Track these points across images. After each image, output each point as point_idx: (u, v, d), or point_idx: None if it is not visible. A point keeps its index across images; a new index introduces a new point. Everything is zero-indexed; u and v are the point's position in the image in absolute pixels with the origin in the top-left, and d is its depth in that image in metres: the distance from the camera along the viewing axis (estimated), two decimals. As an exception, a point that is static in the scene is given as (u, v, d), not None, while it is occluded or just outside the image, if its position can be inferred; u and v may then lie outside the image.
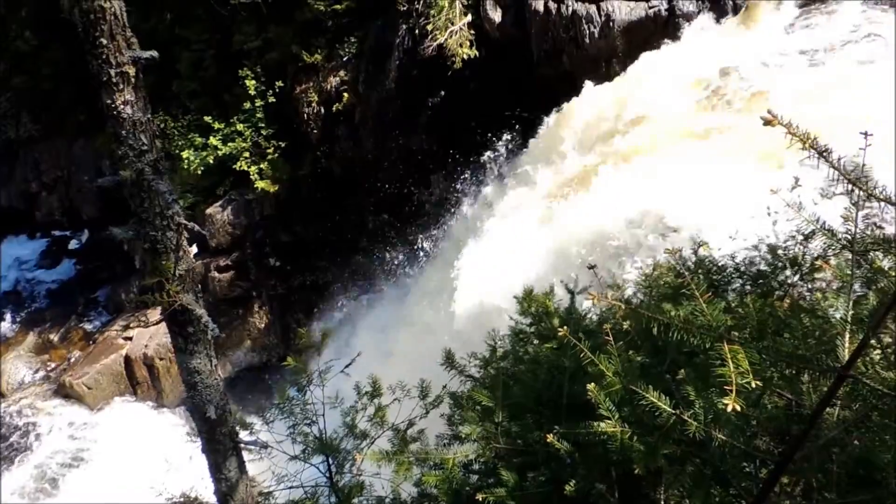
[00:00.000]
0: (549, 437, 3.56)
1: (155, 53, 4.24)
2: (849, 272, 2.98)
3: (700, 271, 4.62)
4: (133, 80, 4.18)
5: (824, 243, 2.98)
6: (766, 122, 2.28)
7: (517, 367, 4.77)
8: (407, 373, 5.42)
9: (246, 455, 5.62)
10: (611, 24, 13.00)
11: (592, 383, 3.16)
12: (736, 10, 12.57)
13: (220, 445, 5.31)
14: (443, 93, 15.30)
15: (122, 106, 4.19)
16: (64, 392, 18.55)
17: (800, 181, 3.78)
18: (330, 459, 4.87)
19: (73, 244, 23.13)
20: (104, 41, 4.01)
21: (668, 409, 2.93)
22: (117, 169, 4.42)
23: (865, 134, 2.37)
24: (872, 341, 3.02)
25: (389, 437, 4.89)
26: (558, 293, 5.18)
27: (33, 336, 20.44)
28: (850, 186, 2.26)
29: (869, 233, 2.63)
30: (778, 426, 3.21)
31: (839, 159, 2.18)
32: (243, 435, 5.43)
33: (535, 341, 4.97)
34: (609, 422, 3.11)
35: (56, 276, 22.30)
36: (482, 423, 4.18)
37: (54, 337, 20.31)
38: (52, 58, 20.49)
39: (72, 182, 22.50)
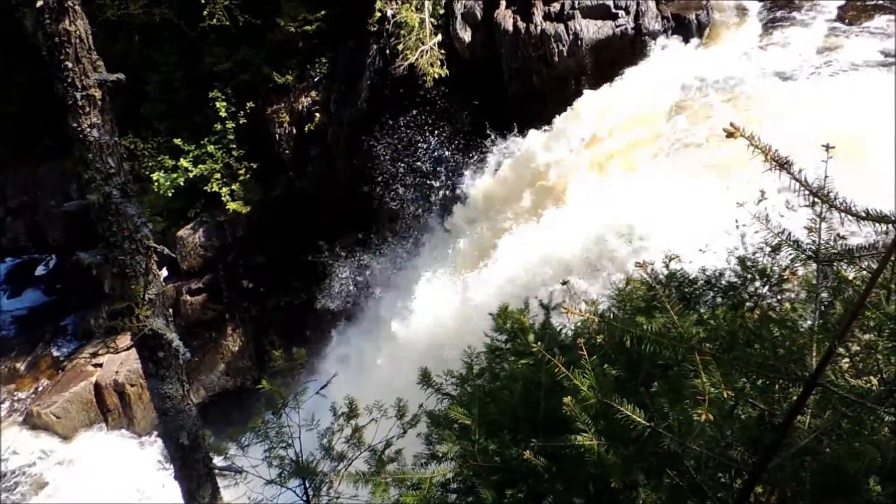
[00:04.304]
0: (527, 454, 3.55)
1: (121, 76, 4.21)
2: (815, 283, 3.04)
3: (672, 284, 4.68)
4: (99, 102, 4.15)
5: (790, 254, 3.04)
6: (729, 135, 2.33)
7: (494, 384, 4.76)
8: (384, 392, 5.38)
9: (220, 481, 5.53)
10: (579, 42, 13.20)
11: (568, 398, 3.17)
12: (700, 31, 12.85)
13: (193, 472, 5.21)
14: (415, 112, 15.38)
15: (88, 129, 4.15)
16: (32, 422, 18.10)
17: (766, 194, 3.85)
18: (307, 482, 4.80)
19: (40, 270, 22.67)
20: (69, 64, 3.98)
21: (643, 422, 2.94)
22: (84, 193, 4.36)
23: (827, 146, 2.43)
24: (841, 350, 3.08)
25: (367, 458, 4.85)
26: (533, 309, 5.19)
27: (-1, 365, 19.95)
28: (812, 198, 2.31)
29: (832, 243, 2.69)
30: (751, 436, 3.24)
31: (800, 171, 2.23)
32: (217, 460, 5.34)
33: (511, 358, 4.97)
34: (585, 435, 3.11)
35: (22, 303, 21.82)
36: (459, 441, 4.16)
37: (21, 366, 19.81)
38: (18, 81, 20.21)
39: (38, 207, 22.11)
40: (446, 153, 14.68)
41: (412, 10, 14.59)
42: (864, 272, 2.64)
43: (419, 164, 15.02)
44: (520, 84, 14.12)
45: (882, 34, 11.48)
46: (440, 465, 4.26)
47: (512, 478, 3.91)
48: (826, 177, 2.35)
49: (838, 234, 2.63)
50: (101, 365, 18.49)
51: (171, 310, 5.08)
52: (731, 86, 11.33)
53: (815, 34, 11.91)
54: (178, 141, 17.16)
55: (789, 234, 2.83)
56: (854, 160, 7.29)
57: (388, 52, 15.15)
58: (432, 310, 12.11)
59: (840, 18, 12.12)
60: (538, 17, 13.68)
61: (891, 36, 11.34)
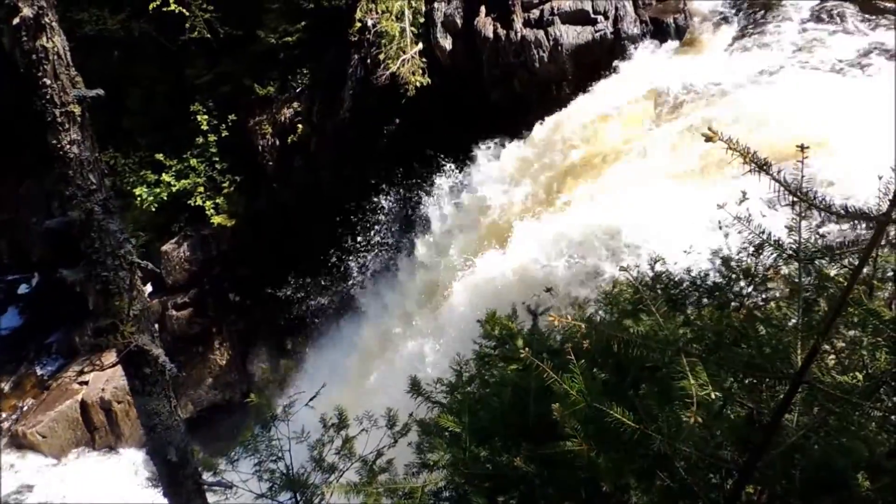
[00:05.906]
0: (518, 460, 3.55)
1: (101, 92, 4.18)
2: (798, 281, 3.06)
3: (658, 286, 4.70)
4: (79, 119, 4.11)
5: (772, 254, 3.06)
6: (708, 139, 2.36)
7: (483, 391, 4.76)
8: (374, 402, 5.37)
9: (210, 496, 5.47)
10: (559, 48, 13.28)
11: (556, 405, 3.17)
12: (679, 34, 12.97)
13: (182, 488, 5.16)
14: (398, 120, 15.39)
15: (68, 146, 4.12)
16: (17, 442, 17.84)
17: (747, 194, 3.88)
18: (298, 495, 4.77)
19: (22, 288, 22.40)
20: (48, 81, 3.95)
21: (632, 425, 2.95)
22: (66, 209, 4.33)
23: (802, 147, 2.46)
24: (826, 346, 3.10)
25: (358, 468, 4.82)
26: (521, 315, 5.20)
27: (-18, 386, 19.65)
28: (792, 198, 2.34)
29: (813, 242, 2.71)
30: (740, 436, 3.25)
31: (779, 172, 2.26)
32: (207, 476, 5.30)
33: (500, 364, 4.96)
34: (574, 441, 3.12)
35: (5, 322, 21.53)
36: (450, 449, 4.15)
37: (5, 385, 19.54)
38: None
39: (20, 224, 21.86)
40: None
41: (392, 20, 14.62)
42: (846, 269, 2.66)
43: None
44: (502, 91, 14.17)
45: (857, 33, 11.63)
46: (432, 473, 4.24)
47: (504, 484, 3.90)
48: (803, 176, 2.38)
49: (818, 233, 2.66)
50: (86, 382, 18.28)
51: (156, 325, 5.05)
52: (708, 88, 11.39)
53: (790, 35, 12.02)
54: (159, 156, 17.05)
55: (770, 233, 2.85)
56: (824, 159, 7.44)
57: (369, 61, 15.17)
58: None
59: (815, 18, 12.24)
60: (518, 23, 13.74)
61: (864, 35, 11.48)
